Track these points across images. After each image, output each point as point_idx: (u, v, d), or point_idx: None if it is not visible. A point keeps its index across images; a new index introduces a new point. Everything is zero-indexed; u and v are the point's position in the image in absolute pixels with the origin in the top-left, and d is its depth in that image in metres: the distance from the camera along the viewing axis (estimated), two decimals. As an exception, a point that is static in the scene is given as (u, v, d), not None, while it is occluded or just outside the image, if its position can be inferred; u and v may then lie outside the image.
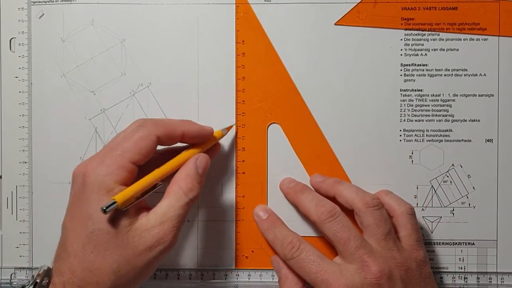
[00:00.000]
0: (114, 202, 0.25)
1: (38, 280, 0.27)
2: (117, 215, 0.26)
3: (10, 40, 0.34)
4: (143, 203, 0.28)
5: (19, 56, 0.34)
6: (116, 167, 0.26)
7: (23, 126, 0.34)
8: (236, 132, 0.34)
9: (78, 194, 0.27)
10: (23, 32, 0.34)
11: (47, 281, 0.27)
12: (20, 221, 0.34)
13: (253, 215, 0.33)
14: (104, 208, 0.25)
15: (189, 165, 0.29)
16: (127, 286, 0.26)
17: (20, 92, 0.34)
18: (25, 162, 0.34)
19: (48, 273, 0.27)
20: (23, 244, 0.34)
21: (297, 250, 0.30)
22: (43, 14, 0.34)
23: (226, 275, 0.34)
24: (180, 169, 0.29)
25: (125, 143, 0.27)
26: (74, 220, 0.27)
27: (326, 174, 0.33)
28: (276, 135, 0.34)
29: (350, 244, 0.29)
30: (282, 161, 0.34)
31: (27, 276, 0.34)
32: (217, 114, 0.34)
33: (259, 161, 0.34)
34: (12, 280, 0.34)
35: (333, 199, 0.32)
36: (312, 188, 0.33)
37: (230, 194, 0.34)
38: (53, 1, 0.34)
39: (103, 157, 0.27)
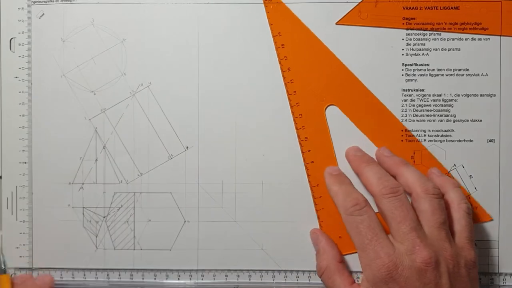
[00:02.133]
0: None
1: None
2: None
3: (10, 40, 0.34)
4: None
5: (19, 56, 0.34)
6: None
7: (23, 126, 0.34)
8: (295, 123, 0.33)
9: None
10: (23, 32, 0.34)
11: None
12: (20, 221, 0.34)
13: (324, 173, 0.33)
14: None
15: None
16: None
17: (20, 92, 0.34)
18: (25, 163, 0.34)
19: None
20: (23, 245, 0.34)
21: (361, 209, 0.30)
22: (43, 14, 0.34)
23: (238, 276, 0.34)
24: None
25: None
26: None
27: (393, 143, 0.33)
28: (335, 118, 0.33)
29: (406, 223, 0.28)
30: (349, 143, 0.33)
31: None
32: (218, 115, 0.34)
33: (324, 148, 0.33)
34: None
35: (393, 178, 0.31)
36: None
37: (231, 195, 0.34)
38: (53, 1, 0.34)
39: None
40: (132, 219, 0.34)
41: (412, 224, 0.29)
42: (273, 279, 0.34)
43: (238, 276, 0.34)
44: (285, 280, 0.34)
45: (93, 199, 0.34)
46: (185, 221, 0.34)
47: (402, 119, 0.34)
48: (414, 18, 0.34)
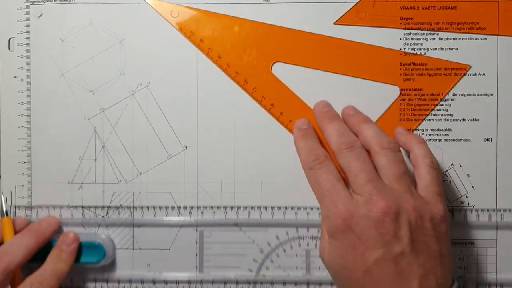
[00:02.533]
0: None
1: None
2: None
3: (9, 40, 0.34)
4: None
5: (18, 56, 0.34)
6: None
7: (22, 126, 0.34)
8: (247, 90, 0.34)
9: None
10: (21, 31, 0.34)
11: None
12: (19, 221, 0.34)
13: (293, 126, 0.33)
14: None
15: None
16: None
17: (19, 92, 0.34)
18: (24, 162, 0.34)
19: None
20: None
21: (320, 163, 0.30)
22: (42, 13, 0.34)
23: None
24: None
25: None
26: None
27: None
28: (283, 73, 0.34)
29: (362, 175, 0.28)
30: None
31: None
32: (217, 114, 0.34)
33: (288, 98, 0.34)
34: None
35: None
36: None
37: (230, 194, 0.34)
38: (52, 1, 0.34)
39: None
40: (130, 219, 0.34)
41: (369, 175, 0.28)
42: (272, 216, 0.34)
43: (238, 213, 0.34)
44: (284, 217, 0.34)
45: (92, 198, 0.34)
46: (184, 221, 0.34)
47: (400, 118, 0.34)
48: (411, 18, 0.34)
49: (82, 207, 0.34)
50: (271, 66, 0.34)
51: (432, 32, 0.34)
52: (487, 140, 0.34)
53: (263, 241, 0.34)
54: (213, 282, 0.34)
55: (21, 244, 0.30)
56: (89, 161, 0.34)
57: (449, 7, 0.34)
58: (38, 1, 0.34)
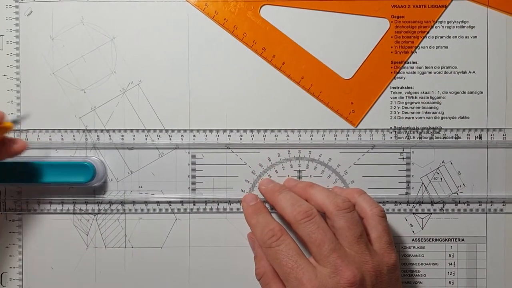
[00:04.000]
0: None
1: None
2: None
3: (-2, 38, 0.34)
4: None
5: (7, 54, 0.34)
6: None
7: (12, 125, 0.34)
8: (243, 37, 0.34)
9: None
10: (11, 29, 0.34)
11: None
12: (10, 220, 0.34)
13: (241, 202, 0.33)
14: None
15: None
16: None
17: (8, 90, 0.34)
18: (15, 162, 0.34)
19: None
20: (13, 244, 0.34)
21: (277, 240, 0.29)
22: (32, 11, 0.34)
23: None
24: None
25: None
26: None
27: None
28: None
29: (325, 246, 0.28)
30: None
31: (18, 275, 0.34)
32: (208, 112, 0.34)
33: (279, 40, 0.34)
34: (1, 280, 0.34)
35: None
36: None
37: (222, 179, 0.34)
38: (42, -1, 0.34)
39: None
40: (122, 217, 0.34)
41: (331, 245, 0.28)
42: (264, 139, 0.34)
43: (229, 136, 0.34)
44: (276, 139, 0.34)
45: (83, 197, 0.34)
46: (176, 219, 0.34)
47: (391, 116, 0.34)
48: (402, 16, 0.34)
49: (74, 206, 0.34)
50: (259, 9, 0.34)
51: (423, 30, 0.34)
52: (477, 137, 0.34)
53: (255, 162, 0.34)
54: (206, 202, 0.34)
55: None
56: (81, 139, 0.34)
57: (439, 6, 0.34)
58: (27, -1, 0.34)
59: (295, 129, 0.34)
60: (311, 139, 0.34)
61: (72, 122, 0.34)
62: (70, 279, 0.34)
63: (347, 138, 0.34)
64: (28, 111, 0.32)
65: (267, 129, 0.34)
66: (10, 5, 0.34)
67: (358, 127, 0.34)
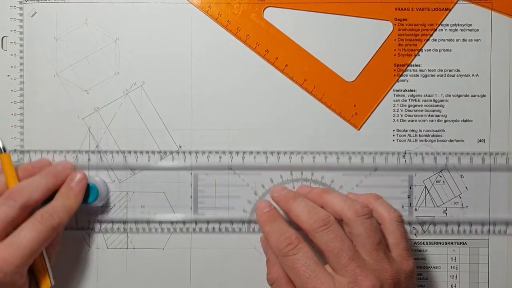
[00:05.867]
0: None
1: None
2: None
3: (2, 39, 0.34)
4: None
5: (11, 55, 0.34)
6: None
7: (15, 125, 0.34)
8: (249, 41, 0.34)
9: None
10: (15, 30, 0.34)
11: None
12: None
13: (255, 210, 0.32)
14: None
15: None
16: None
17: (12, 90, 0.34)
18: (17, 161, 0.34)
19: None
20: (15, 244, 0.34)
21: (294, 248, 0.28)
22: (36, 12, 0.34)
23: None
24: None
25: None
26: None
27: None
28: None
29: (343, 255, 0.28)
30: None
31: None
32: (211, 113, 0.34)
33: (282, 43, 0.34)
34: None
35: None
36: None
37: (224, 200, 0.34)
38: (46, 0, 0.34)
39: None
40: (125, 218, 0.34)
41: (349, 253, 0.28)
42: (266, 160, 0.34)
43: (232, 157, 0.34)
44: (278, 161, 0.33)
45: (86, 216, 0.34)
46: (178, 220, 0.34)
47: (394, 119, 0.34)
48: (406, 19, 0.34)
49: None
50: (263, 12, 0.34)
51: (426, 33, 0.34)
52: (480, 141, 0.34)
53: (258, 184, 0.34)
54: (208, 222, 0.34)
55: (39, 183, 0.30)
56: (83, 160, 0.34)
57: (443, 9, 0.34)
58: (31, 0, 0.34)
59: (298, 151, 0.34)
60: (314, 161, 0.34)
61: (75, 123, 0.34)
62: (72, 279, 0.34)
63: (350, 161, 0.34)
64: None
65: (270, 152, 0.34)
66: (14, 6, 0.34)
67: (360, 130, 0.34)
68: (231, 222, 0.34)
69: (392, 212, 0.30)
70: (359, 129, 0.34)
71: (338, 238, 0.28)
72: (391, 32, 0.34)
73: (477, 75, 0.34)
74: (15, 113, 0.34)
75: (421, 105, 0.34)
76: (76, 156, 0.34)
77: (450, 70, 0.34)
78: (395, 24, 0.34)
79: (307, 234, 0.29)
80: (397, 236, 0.30)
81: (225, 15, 0.34)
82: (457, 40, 0.34)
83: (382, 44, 0.34)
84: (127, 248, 0.34)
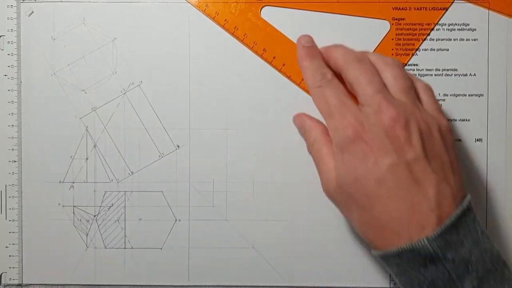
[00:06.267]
0: None
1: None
2: None
3: (-1, 38, 0.34)
4: None
5: (8, 54, 0.34)
6: None
7: (12, 125, 0.34)
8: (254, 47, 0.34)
9: None
10: (12, 29, 0.34)
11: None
12: (10, 220, 0.34)
13: (297, 42, 0.32)
14: None
15: None
16: None
17: (9, 90, 0.34)
18: (15, 161, 0.34)
19: None
20: (13, 244, 0.34)
21: (327, 81, 0.29)
22: (33, 11, 0.34)
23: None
24: None
25: None
26: None
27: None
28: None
29: (371, 86, 0.27)
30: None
31: (18, 275, 0.34)
32: (209, 113, 0.34)
33: (279, 42, 0.34)
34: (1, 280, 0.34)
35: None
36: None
37: (222, 194, 0.34)
38: (43, -1, 0.34)
39: None
40: (123, 218, 0.34)
41: (377, 86, 0.28)
42: None
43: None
44: None
45: (83, 198, 0.34)
46: (176, 220, 0.34)
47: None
48: (403, 19, 0.34)
49: (73, 206, 0.34)
50: (260, 11, 0.34)
51: (424, 33, 0.34)
52: (477, 140, 0.34)
53: None
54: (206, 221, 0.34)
55: None
56: (80, 160, 0.34)
57: (440, 8, 0.34)
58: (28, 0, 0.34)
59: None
60: None
61: (73, 123, 0.34)
62: (70, 279, 0.34)
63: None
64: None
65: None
66: (11, 6, 0.34)
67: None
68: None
69: (419, 82, 0.30)
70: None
71: (369, 71, 0.28)
72: (389, 31, 0.34)
73: (475, 74, 0.34)
74: (12, 113, 0.34)
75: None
76: (74, 156, 0.34)
77: (448, 70, 0.34)
78: (392, 24, 0.34)
79: (341, 72, 0.29)
80: (425, 100, 0.29)
81: (222, 14, 0.34)
82: (454, 40, 0.34)
83: (379, 43, 0.34)
84: (125, 248, 0.34)
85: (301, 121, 0.32)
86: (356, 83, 0.28)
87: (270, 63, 0.34)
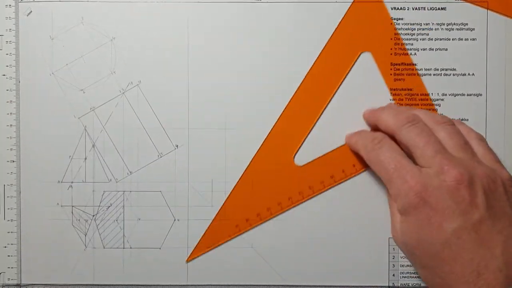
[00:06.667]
0: None
1: None
2: None
3: (-2, 38, 0.34)
4: None
5: (7, 54, 0.34)
6: None
7: (11, 125, 0.34)
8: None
9: None
10: (10, 29, 0.34)
11: None
12: (8, 220, 0.34)
13: (345, 138, 0.33)
14: None
15: None
16: None
17: (7, 90, 0.34)
18: (13, 161, 0.34)
19: None
20: (11, 244, 0.34)
21: (379, 142, 0.29)
22: (31, 11, 0.34)
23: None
24: None
25: None
26: None
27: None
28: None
29: (429, 148, 0.27)
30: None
31: (16, 275, 0.34)
32: (208, 113, 0.34)
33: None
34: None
35: None
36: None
37: (220, 193, 0.34)
38: (42, -1, 0.34)
39: None
40: (121, 217, 0.34)
41: (436, 146, 0.27)
42: None
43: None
44: None
45: (82, 197, 0.34)
46: (175, 220, 0.34)
47: None
48: (402, 19, 0.34)
49: (72, 206, 0.34)
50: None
51: (422, 32, 0.34)
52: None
53: None
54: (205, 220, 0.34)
55: None
56: (79, 160, 0.34)
57: (438, 8, 0.34)
58: (27, -1, 0.34)
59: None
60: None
61: (71, 122, 0.34)
62: (69, 279, 0.34)
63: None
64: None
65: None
66: (9, 5, 0.34)
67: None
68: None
69: (472, 132, 0.30)
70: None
71: (425, 132, 0.28)
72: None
73: (473, 74, 0.34)
74: (10, 113, 0.34)
75: (418, 104, 0.34)
76: (72, 156, 0.34)
77: (446, 69, 0.34)
78: (391, 23, 0.34)
79: (395, 135, 0.29)
80: (481, 151, 0.29)
81: None
82: (453, 39, 0.34)
83: (378, 43, 0.34)
84: (123, 248, 0.34)
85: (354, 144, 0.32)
86: (413, 145, 0.28)
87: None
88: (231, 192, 0.34)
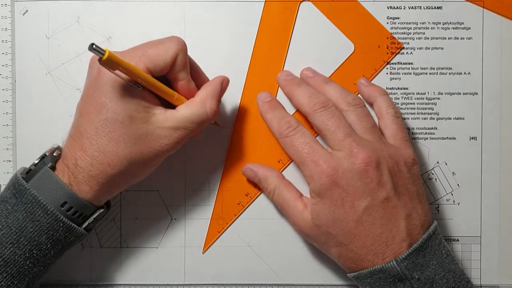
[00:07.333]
0: (103, 51, 0.24)
1: (47, 154, 0.28)
2: (131, 106, 0.27)
3: (-7, 37, 0.34)
4: (153, 98, 0.28)
5: (3, 53, 0.34)
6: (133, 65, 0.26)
7: (7, 124, 0.34)
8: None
9: (92, 82, 0.27)
10: (6, 28, 0.34)
11: (58, 154, 0.28)
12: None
13: (256, 100, 0.33)
14: (93, 46, 0.23)
15: (216, 86, 0.30)
16: (136, 175, 0.28)
17: (3, 89, 0.34)
18: (9, 161, 0.34)
19: (57, 149, 0.28)
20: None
21: (294, 129, 0.31)
22: (27, 10, 0.34)
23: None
24: (206, 87, 0.30)
25: (149, 49, 0.28)
26: (87, 105, 0.27)
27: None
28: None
29: (340, 131, 0.29)
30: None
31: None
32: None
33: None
34: None
35: None
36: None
37: (215, 192, 0.34)
38: (37, -2, 0.34)
39: (124, 54, 0.27)
40: (118, 217, 0.34)
41: (346, 130, 0.29)
42: None
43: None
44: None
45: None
46: (171, 219, 0.34)
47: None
48: (398, 18, 0.34)
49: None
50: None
51: (418, 31, 0.34)
52: (472, 138, 0.34)
53: None
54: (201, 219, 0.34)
55: None
56: (75, 159, 0.34)
57: (434, 7, 0.34)
58: (23, -2, 0.34)
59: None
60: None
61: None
62: (66, 278, 0.34)
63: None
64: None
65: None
66: (5, 4, 0.34)
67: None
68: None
69: (391, 108, 0.32)
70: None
71: (336, 117, 0.30)
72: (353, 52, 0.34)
73: (469, 73, 0.34)
74: (6, 112, 0.34)
75: (414, 103, 0.34)
76: None
77: (442, 68, 0.34)
78: (387, 23, 0.34)
79: (308, 117, 0.31)
80: (393, 128, 0.31)
81: None
82: (449, 38, 0.34)
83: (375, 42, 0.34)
84: (120, 247, 0.34)
85: (251, 173, 0.33)
86: (324, 129, 0.30)
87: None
88: (221, 176, 0.34)
